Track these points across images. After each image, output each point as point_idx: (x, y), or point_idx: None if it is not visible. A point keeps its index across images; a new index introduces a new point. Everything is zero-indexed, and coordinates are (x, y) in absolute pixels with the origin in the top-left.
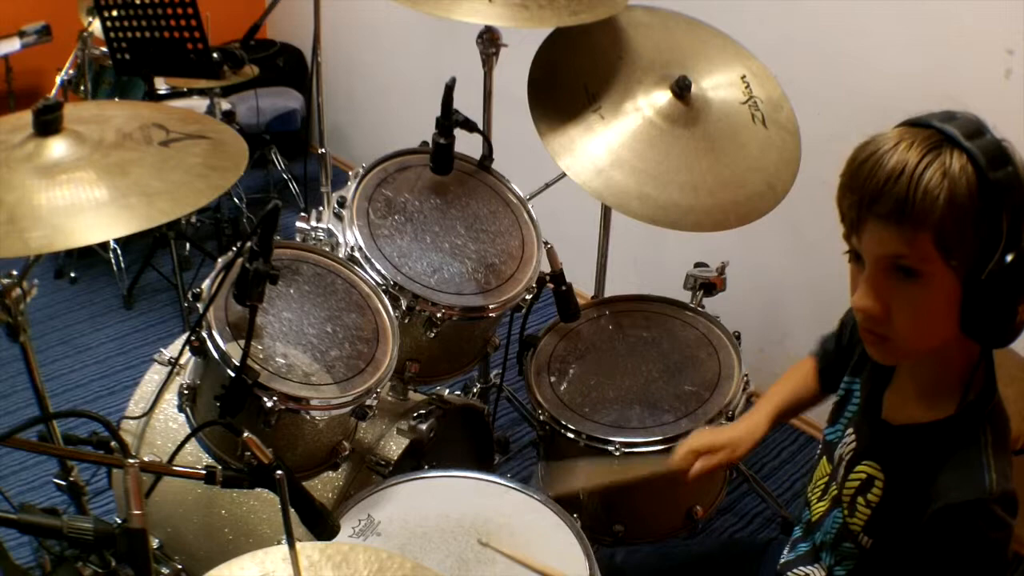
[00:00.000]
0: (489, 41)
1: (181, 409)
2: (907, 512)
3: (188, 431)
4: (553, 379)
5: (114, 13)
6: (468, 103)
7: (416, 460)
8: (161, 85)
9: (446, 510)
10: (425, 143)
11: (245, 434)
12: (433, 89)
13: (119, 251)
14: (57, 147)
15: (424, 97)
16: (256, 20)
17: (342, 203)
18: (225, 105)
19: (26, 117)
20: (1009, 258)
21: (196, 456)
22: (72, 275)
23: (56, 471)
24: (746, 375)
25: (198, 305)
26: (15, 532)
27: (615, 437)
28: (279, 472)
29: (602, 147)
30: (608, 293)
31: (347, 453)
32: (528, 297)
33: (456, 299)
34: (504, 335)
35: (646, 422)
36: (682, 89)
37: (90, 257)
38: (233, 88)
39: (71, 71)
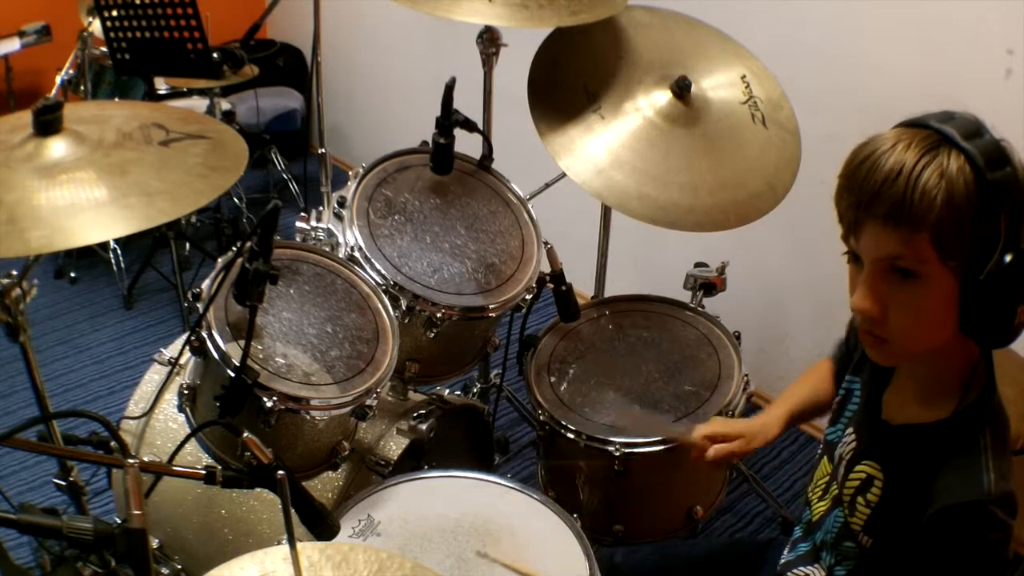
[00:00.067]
0: (489, 41)
1: (181, 409)
2: (906, 512)
3: (188, 431)
4: (553, 379)
5: (114, 13)
6: (468, 103)
7: (416, 460)
8: (161, 85)
9: (446, 510)
10: (425, 143)
11: (245, 434)
12: (433, 89)
13: (119, 251)
14: (57, 147)
15: (424, 97)
16: (256, 20)
17: (342, 203)
18: (225, 105)
19: (26, 117)
20: (1008, 258)
21: (196, 456)
22: (72, 275)
23: (56, 471)
24: (746, 375)
25: (198, 305)
26: (15, 532)
27: (615, 437)
28: (280, 472)
29: (602, 147)
30: (608, 293)
31: (347, 453)
32: (528, 297)
33: (456, 299)
34: (504, 335)
35: None
36: (682, 89)
37: (90, 257)
38: (233, 88)
39: (71, 71)
